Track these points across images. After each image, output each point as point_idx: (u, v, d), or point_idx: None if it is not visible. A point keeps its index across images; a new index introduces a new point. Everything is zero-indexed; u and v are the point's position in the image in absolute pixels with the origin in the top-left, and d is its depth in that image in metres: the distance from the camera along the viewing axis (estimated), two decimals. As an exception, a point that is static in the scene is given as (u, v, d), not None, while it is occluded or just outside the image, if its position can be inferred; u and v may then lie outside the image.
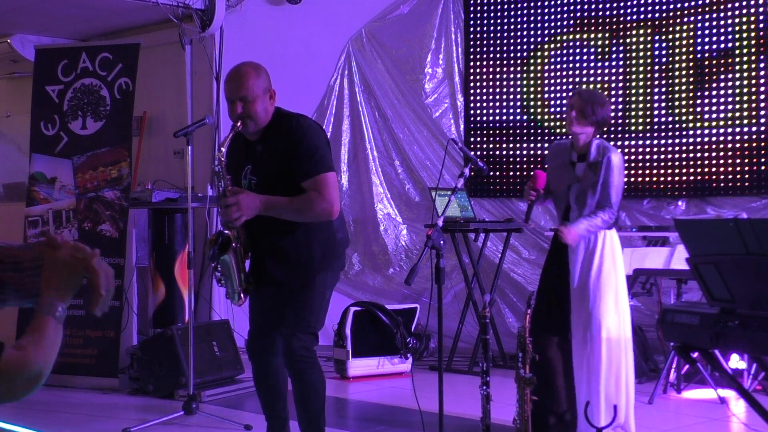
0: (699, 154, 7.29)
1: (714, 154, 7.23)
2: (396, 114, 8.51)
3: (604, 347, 4.66)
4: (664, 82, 7.48)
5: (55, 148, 6.84)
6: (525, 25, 8.15)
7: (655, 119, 7.52)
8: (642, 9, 7.59)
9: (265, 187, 3.98)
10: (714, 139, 7.24)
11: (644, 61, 7.57)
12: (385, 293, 8.27)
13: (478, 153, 8.21)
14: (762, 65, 7.03)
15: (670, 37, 7.45)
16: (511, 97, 8.22)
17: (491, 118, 8.31)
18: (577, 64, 7.89)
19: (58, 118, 6.86)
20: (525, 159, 8.12)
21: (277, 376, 4.21)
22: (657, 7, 7.52)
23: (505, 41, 8.24)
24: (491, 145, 8.30)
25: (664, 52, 7.49)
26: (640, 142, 7.53)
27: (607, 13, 7.76)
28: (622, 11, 7.69)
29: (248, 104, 3.94)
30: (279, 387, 4.24)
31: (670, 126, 7.44)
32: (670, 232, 6.68)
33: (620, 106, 7.66)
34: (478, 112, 8.36)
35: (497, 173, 8.18)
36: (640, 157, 7.52)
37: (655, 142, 7.49)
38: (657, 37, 7.52)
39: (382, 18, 8.58)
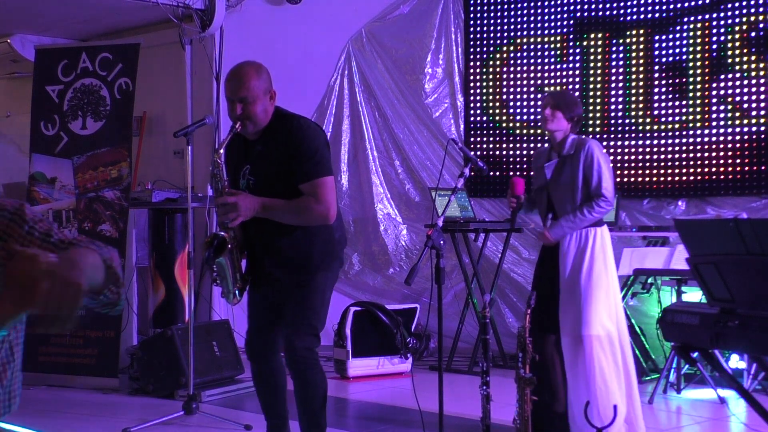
0: (699, 154, 7.29)
1: (714, 154, 7.22)
2: (396, 114, 8.51)
3: (596, 345, 4.66)
4: (664, 82, 7.48)
5: (55, 148, 6.84)
6: (525, 25, 8.15)
7: (655, 119, 7.51)
8: (642, 9, 7.59)
9: (263, 188, 3.97)
10: (714, 139, 7.24)
11: (644, 61, 7.57)
12: (385, 293, 8.27)
13: (478, 153, 8.21)
14: (762, 65, 7.03)
15: (670, 37, 7.45)
16: (511, 97, 8.22)
17: (491, 118, 8.30)
18: (577, 64, 7.89)
19: (58, 118, 6.86)
20: (525, 159, 8.11)
21: (276, 376, 4.20)
22: (657, 7, 7.52)
23: (505, 41, 8.24)
24: (491, 145, 8.30)
25: (663, 52, 7.49)
26: (640, 142, 7.53)
27: (607, 13, 7.76)
28: (621, 11, 7.69)
29: (248, 105, 3.93)
30: (279, 387, 4.23)
31: (671, 126, 7.44)
32: (670, 232, 6.68)
33: (620, 106, 7.66)
34: (478, 112, 8.36)
35: (497, 173, 8.18)
36: (640, 157, 7.52)
37: (655, 142, 7.49)
38: (657, 37, 7.51)
39: (382, 18, 8.58)
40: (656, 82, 7.52)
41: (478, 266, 7.28)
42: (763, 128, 7.02)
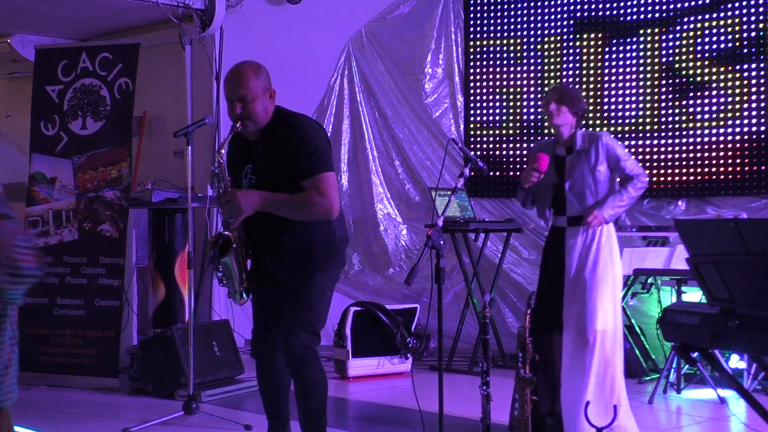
0: (699, 154, 7.29)
1: (714, 154, 7.22)
2: (396, 114, 8.51)
3: (600, 341, 4.65)
4: (664, 82, 7.48)
5: (55, 148, 6.84)
6: (525, 25, 8.15)
7: (656, 119, 7.52)
8: (642, 9, 7.59)
9: (265, 187, 3.97)
10: (714, 139, 7.24)
11: (644, 62, 7.57)
12: (385, 293, 8.27)
13: (478, 153, 8.21)
14: (762, 65, 7.03)
15: (671, 37, 7.45)
16: (511, 97, 8.22)
17: (491, 118, 8.31)
18: (577, 65, 7.89)
19: (58, 118, 6.87)
20: (525, 159, 8.11)
21: (280, 374, 4.20)
22: (657, 8, 7.52)
23: (505, 41, 8.24)
24: (491, 145, 8.30)
25: (663, 52, 7.49)
26: (641, 142, 7.52)
27: (607, 13, 7.76)
28: (622, 11, 7.69)
29: (248, 104, 3.94)
30: (282, 386, 4.23)
31: (671, 126, 7.44)
32: (670, 232, 6.68)
33: (620, 107, 7.66)
34: (478, 112, 8.36)
35: (497, 173, 8.18)
36: (641, 157, 7.51)
37: (656, 142, 7.49)
38: (657, 38, 7.51)
39: (382, 18, 8.59)
40: (656, 82, 7.52)
41: (478, 266, 7.28)
42: (763, 128, 7.02)
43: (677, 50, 7.41)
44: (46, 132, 6.88)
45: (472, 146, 8.28)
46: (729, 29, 7.17)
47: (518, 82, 8.18)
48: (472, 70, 8.38)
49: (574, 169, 4.77)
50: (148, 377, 6.17)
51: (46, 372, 6.55)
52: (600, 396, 4.65)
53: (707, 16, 7.28)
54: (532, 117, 8.11)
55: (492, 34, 8.28)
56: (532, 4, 8.10)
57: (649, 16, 7.56)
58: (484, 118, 8.33)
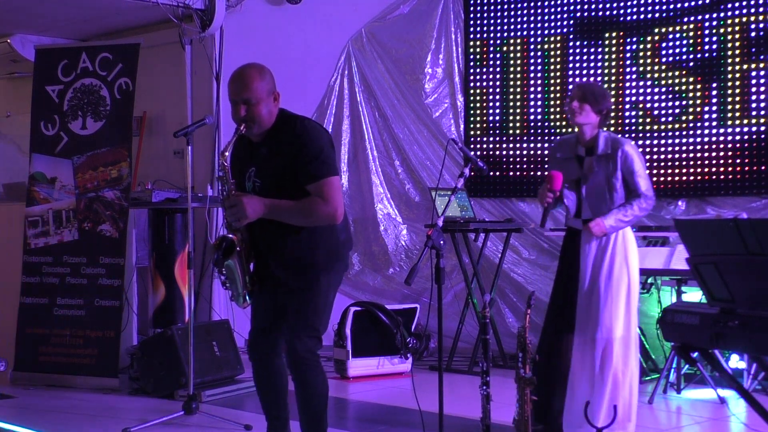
0: (699, 154, 7.29)
1: (714, 154, 7.22)
2: (396, 114, 8.51)
3: (605, 349, 4.63)
4: (664, 82, 7.48)
5: (55, 148, 6.84)
6: (525, 25, 8.15)
7: (655, 119, 7.52)
8: (642, 9, 7.59)
9: (269, 190, 3.96)
10: (714, 139, 7.24)
11: (644, 61, 7.57)
12: (385, 293, 8.27)
13: (478, 153, 8.21)
14: (762, 65, 7.03)
15: (671, 37, 7.45)
16: (511, 97, 8.22)
17: (491, 118, 8.31)
18: (577, 64, 7.89)
19: (58, 118, 6.86)
20: (525, 159, 8.12)
21: (278, 376, 4.20)
22: (657, 7, 7.52)
23: (505, 41, 8.24)
24: (491, 145, 8.30)
25: (664, 52, 7.49)
26: (640, 142, 7.52)
27: (607, 13, 7.76)
28: (622, 11, 7.69)
29: (252, 107, 3.92)
30: (280, 388, 4.23)
31: (671, 126, 7.44)
32: (670, 232, 6.68)
33: (619, 107, 7.66)
34: (478, 112, 8.36)
35: (497, 173, 8.19)
36: (640, 157, 7.52)
37: (655, 142, 7.49)
38: (657, 38, 7.51)
39: (382, 18, 8.59)
40: (656, 82, 7.52)
41: (478, 266, 7.28)
42: (763, 128, 7.02)
43: (677, 50, 7.41)
44: (46, 132, 6.88)
45: (472, 146, 8.28)
46: (729, 29, 7.17)
47: (518, 82, 8.18)
48: (472, 70, 8.38)
49: (592, 173, 4.70)
50: (148, 377, 6.17)
51: (46, 372, 6.55)
52: (600, 396, 4.64)
53: (707, 16, 7.28)
54: (532, 117, 8.11)
55: (492, 34, 8.28)
56: (532, 4, 8.10)
57: (650, 16, 7.56)
58: (484, 118, 8.33)
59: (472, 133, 8.38)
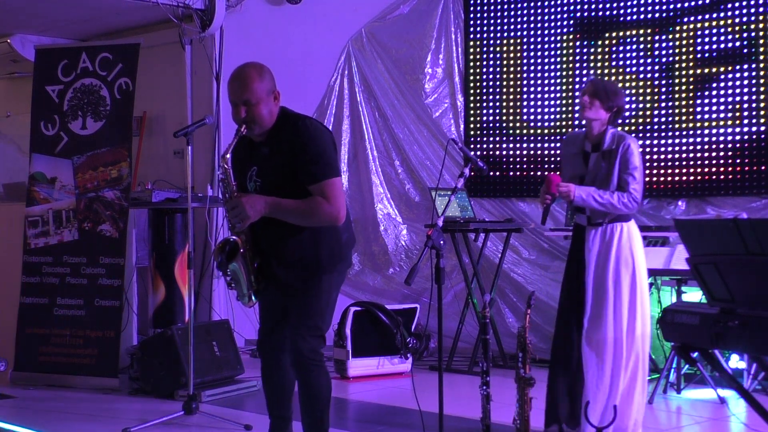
0: (699, 154, 7.29)
1: (714, 154, 7.22)
2: (396, 114, 8.51)
3: (608, 347, 4.62)
4: (664, 82, 7.48)
5: (55, 148, 6.84)
6: (525, 25, 8.15)
7: (656, 119, 7.52)
8: (642, 9, 7.59)
9: (270, 190, 3.95)
10: (714, 139, 7.24)
11: (644, 61, 7.57)
12: (385, 293, 8.27)
13: (478, 153, 8.21)
14: (762, 65, 7.03)
15: (671, 37, 7.45)
16: (511, 97, 8.22)
17: (491, 118, 8.31)
18: (577, 64, 7.89)
19: (58, 118, 6.87)
20: (525, 159, 8.11)
21: (285, 375, 4.19)
22: (657, 7, 7.52)
23: (505, 41, 8.24)
24: (491, 145, 8.30)
25: (664, 52, 7.49)
26: (640, 143, 7.51)
27: (607, 13, 7.76)
28: (622, 11, 7.68)
29: (252, 107, 3.91)
30: (286, 386, 4.22)
31: (670, 126, 7.44)
32: (670, 232, 6.68)
33: (620, 106, 7.65)
34: (478, 112, 8.36)
35: (497, 173, 8.19)
36: (640, 157, 7.52)
37: (655, 142, 7.49)
38: (657, 37, 7.51)
39: (382, 18, 8.59)
40: (656, 82, 7.52)
41: (478, 266, 7.28)
42: (763, 128, 7.02)
43: (677, 50, 7.41)
44: (46, 132, 6.88)
45: (472, 146, 8.28)
46: (729, 29, 7.17)
47: (518, 82, 8.18)
48: (472, 70, 8.38)
49: (596, 169, 4.68)
50: (148, 377, 6.18)
51: (46, 372, 6.55)
52: (597, 396, 4.64)
53: (707, 16, 7.28)
54: (532, 117, 8.11)
55: (492, 34, 8.28)
56: (532, 4, 8.09)
57: (649, 16, 7.56)
58: (484, 118, 8.33)
59: (472, 133, 8.38)
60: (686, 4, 7.38)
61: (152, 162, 8.33)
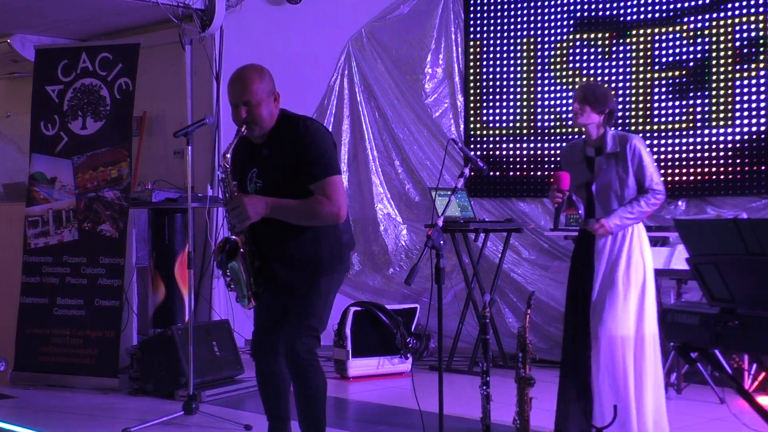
0: (699, 154, 7.29)
1: (714, 154, 7.23)
2: (396, 114, 8.51)
3: (609, 347, 4.61)
4: (664, 82, 7.48)
5: (55, 148, 6.84)
6: (525, 25, 8.15)
7: (655, 119, 7.52)
8: (642, 9, 7.59)
9: (271, 191, 3.95)
10: (714, 139, 7.24)
11: (644, 61, 7.57)
12: (385, 293, 8.27)
13: (478, 153, 8.22)
14: (762, 65, 7.03)
15: (671, 37, 7.45)
16: (511, 97, 8.22)
17: (491, 118, 8.31)
18: (577, 64, 7.89)
19: (58, 118, 6.87)
20: (525, 159, 8.12)
21: (280, 376, 4.19)
22: (657, 7, 7.52)
23: (505, 41, 8.24)
24: (491, 145, 8.30)
25: (664, 52, 7.49)
26: (640, 142, 7.52)
27: (607, 13, 7.76)
28: (622, 11, 7.69)
29: (252, 108, 3.91)
30: (282, 388, 4.23)
31: (671, 126, 7.44)
32: (670, 232, 6.68)
33: (620, 107, 7.66)
34: (478, 112, 8.37)
35: (497, 173, 8.19)
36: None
37: (655, 142, 7.49)
38: (657, 37, 7.52)
39: (382, 18, 8.59)
40: (656, 82, 7.52)
41: (478, 266, 7.29)
42: (763, 128, 7.02)
43: (677, 50, 7.41)
44: (46, 132, 6.88)
45: (472, 146, 8.28)
46: (729, 29, 7.17)
47: (518, 82, 8.19)
48: (472, 70, 8.38)
49: (602, 172, 4.67)
50: (148, 377, 6.18)
51: (46, 372, 6.55)
52: (607, 398, 4.62)
53: (707, 16, 7.28)
54: (532, 117, 8.11)
55: (492, 34, 8.29)
56: (532, 4, 8.10)
57: (649, 15, 7.56)
58: (484, 118, 8.34)
59: (472, 133, 8.38)
60: (686, 4, 7.38)
61: (152, 162, 8.33)
